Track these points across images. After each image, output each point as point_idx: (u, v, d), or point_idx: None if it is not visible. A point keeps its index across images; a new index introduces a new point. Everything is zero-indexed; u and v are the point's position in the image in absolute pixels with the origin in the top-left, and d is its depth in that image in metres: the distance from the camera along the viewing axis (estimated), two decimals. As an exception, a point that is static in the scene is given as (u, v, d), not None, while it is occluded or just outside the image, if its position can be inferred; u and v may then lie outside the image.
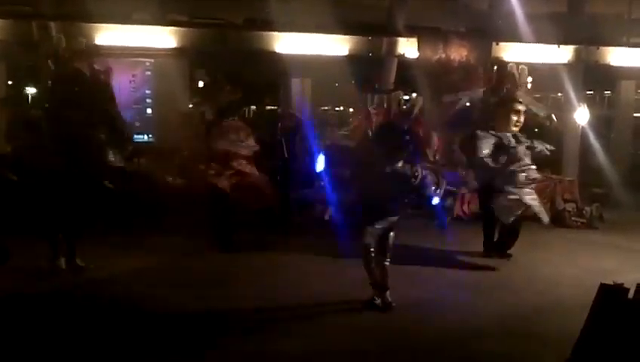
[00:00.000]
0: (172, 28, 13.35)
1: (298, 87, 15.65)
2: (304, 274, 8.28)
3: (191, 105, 11.76)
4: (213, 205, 9.38)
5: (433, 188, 7.02)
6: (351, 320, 6.65)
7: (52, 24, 12.33)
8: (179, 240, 9.79)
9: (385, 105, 12.23)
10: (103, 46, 11.65)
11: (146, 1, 13.27)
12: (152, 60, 14.60)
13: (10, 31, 12.62)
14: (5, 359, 5.48)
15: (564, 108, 14.49)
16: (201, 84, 15.99)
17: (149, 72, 14.86)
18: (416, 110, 7.14)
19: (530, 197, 8.88)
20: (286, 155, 11.72)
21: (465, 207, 12.56)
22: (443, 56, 13.50)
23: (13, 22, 12.74)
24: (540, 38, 14.03)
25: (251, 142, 9.52)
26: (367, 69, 14.20)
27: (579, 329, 4.41)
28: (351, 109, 15.61)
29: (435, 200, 7.09)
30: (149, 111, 15.04)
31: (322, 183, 13.08)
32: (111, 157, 7.96)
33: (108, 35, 12.64)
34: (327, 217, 12.30)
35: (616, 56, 14.98)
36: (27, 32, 12.42)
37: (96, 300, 7.09)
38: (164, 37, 13.25)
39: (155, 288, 7.53)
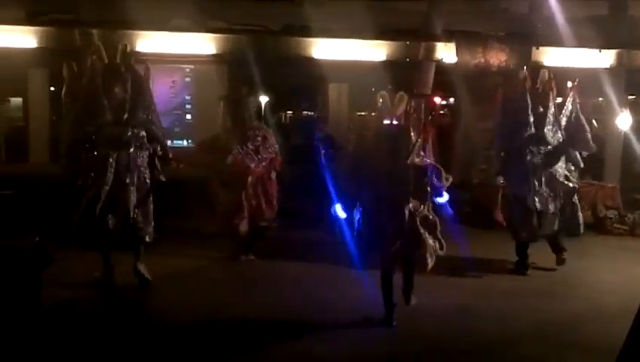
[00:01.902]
0: (211, 34, 13.50)
1: (335, 93, 15.72)
2: (337, 281, 8.24)
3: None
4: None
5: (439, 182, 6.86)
6: (385, 328, 6.59)
7: (94, 31, 12.60)
8: (200, 247, 9.75)
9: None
10: (143, 52, 11.79)
11: (186, 9, 13.45)
12: (192, 66, 14.79)
13: (53, 38, 12.89)
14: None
15: (605, 114, 14.26)
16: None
17: (188, 78, 15.06)
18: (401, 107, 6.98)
19: None
20: (323, 161, 11.76)
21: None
22: (482, 60, 13.39)
23: (55, 29, 13.02)
24: (581, 42, 13.83)
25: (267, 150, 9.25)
26: (405, 74, 14.16)
27: (620, 338, 4.31)
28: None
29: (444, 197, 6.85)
30: (188, 116, 15.23)
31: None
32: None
33: (148, 41, 12.85)
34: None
35: (660, 60, 14.71)
36: (69, 39, 12.69)
37: (118, 306, 7.20)
38: (203, 43, 13.41)
39: (178, 295, 7.59)
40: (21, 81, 15.90)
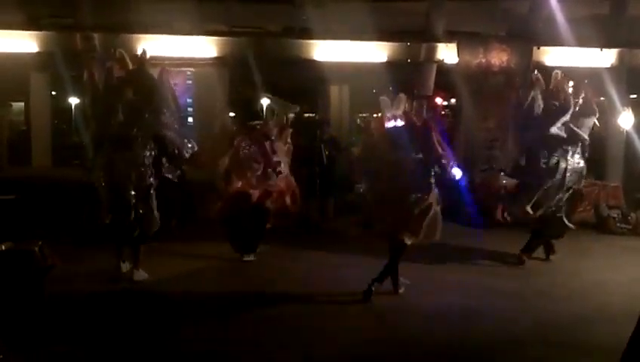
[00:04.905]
0: (212, 37, 13.50)
1: (336, 94, 15.72)
2: (342, 280, 8.28)
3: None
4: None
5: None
6: (390, 328, 6.62)
7: (95, 35, 12.61)
8: (215, 247, 9.82)
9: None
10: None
11: (186, 12, 13.44)
12: (193, 69, 14.79)
13: (55, 42, 12.90)
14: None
15: (607, 113, 14.22)
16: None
17: (190, 81, 15.07)
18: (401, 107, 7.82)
19: None
20: (325, 162, 11.78)
21: (506, 214, 12.41)
22: (483, 61, 13.38)
23: (57, 34, 13.03)
24: (582, 41, 13.80)
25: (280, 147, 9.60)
26: (406, 75, 14.14)
27: (624, 338, 4.30)
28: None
29: (457, 173, 7.50)
30: (190, 119, 15.23)
31: (361, 190, 13.13)
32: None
33: (149, 45, 12.80)
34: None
35: (662, 59, 14.65)
36: (71, 43, 12.70)
37: (122, 306, 7.28)
38: (204, 46, 13.40)
39: (191, 295, 7.66)
40: (23, 86, 15.94)
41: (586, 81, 9.80)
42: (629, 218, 11.90)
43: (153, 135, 7.90)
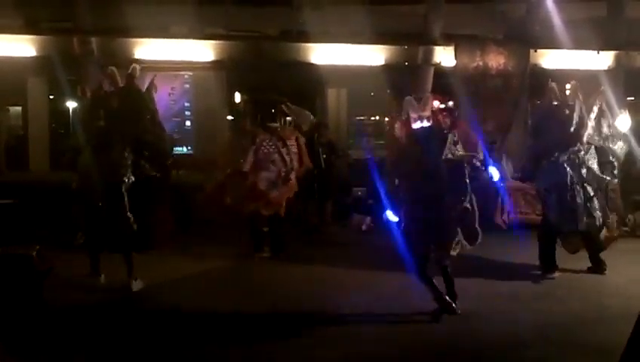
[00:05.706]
0: (210, 41, 13.52)
1: (334, 97, 15.74)
2: (341, 284, 8.28)
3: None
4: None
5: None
6: (390, 331, 6.62)
7: (92, 39, 12.63)
8: (215, 250, 9.86)
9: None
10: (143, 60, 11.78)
11: (184, 15, 13.47)
12: (191, 73, 14.82)
13: (52, 47, 12.91)
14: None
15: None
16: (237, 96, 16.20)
17: (187, 85, 15.08)
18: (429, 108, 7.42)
19: None
20: (323, 165, 11.77)
21: (504, 217, 12.43)
22: (480, 63, 13.40)
23: (54, 38, 13.04)
24: (579, 43, 13.83)
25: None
26: (404, 78, 14.16)
27: (622, 340, 4.31)
28: (386, 118, 15.61)
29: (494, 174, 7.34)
30: (188, 123, 15.25)
31: (360, 193, 13.13)
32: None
33: (147, 49, 12.85)
34: (364, 228, 12.30)
35: (658, 61, 14.70)
36: (68, 47, 12.72)
37: (122, 308, 7.25)
38: (202, 50, 13.42)
39: (192, 298, 7.64)
40: (20, 90, 15.93)
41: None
42: (627, 220, 11.88)
43: (133, 138, 7.90)
